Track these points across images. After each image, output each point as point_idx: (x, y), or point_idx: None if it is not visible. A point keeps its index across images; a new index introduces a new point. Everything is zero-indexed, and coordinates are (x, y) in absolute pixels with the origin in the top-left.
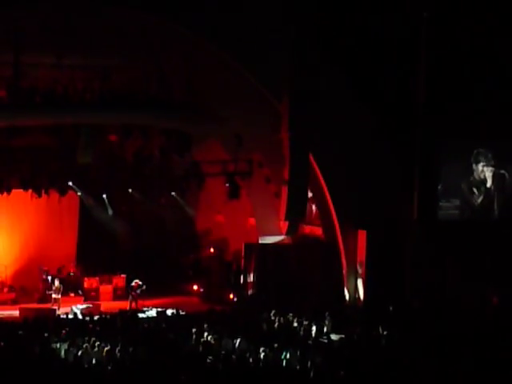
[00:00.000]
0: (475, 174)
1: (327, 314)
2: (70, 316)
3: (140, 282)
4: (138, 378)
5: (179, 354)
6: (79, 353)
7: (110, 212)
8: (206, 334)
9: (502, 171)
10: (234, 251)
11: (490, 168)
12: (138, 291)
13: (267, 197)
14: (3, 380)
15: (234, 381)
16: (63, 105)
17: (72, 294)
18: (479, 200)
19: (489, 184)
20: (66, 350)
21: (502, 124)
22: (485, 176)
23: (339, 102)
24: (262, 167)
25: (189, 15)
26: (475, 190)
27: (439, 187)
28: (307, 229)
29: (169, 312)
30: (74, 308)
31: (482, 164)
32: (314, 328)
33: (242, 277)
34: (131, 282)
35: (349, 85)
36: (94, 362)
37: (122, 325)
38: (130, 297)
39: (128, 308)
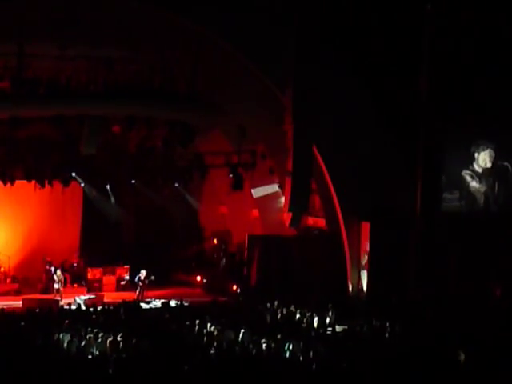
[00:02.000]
0: (477, 166)
1: (330, 305)
2: (73, 307)
3: (145, 273)
4: (141, 368)
5: (182, 344)
6: (82, 343)
7: (113, 203)
8: (209, 325)
9: (505, 163)
10: (238, 242)
11: (493, 160)
12: (147, 282)
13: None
14: (6, 370)
15: (237, 372)
16: (67, 96)
17: (75, 285)
18: (481, 192)
19: (491, 176)
20: (68, 341)
21: (505, 116)
22: (487, 168)
23: (343, 94)
24: (265, 159)
25: (192, 7)
26: (477, 182)
27: (442, 179)
28: (310, 220)
29: (172, 303)
30: (78, 299)
31: (484, 156)
32: (316, 319)
33: (245, 268)
34: (136, 272)
35: (352, 77)
36: (97, 352)
37: (126, 315)
38: (138, 287)
39: (135, 298)
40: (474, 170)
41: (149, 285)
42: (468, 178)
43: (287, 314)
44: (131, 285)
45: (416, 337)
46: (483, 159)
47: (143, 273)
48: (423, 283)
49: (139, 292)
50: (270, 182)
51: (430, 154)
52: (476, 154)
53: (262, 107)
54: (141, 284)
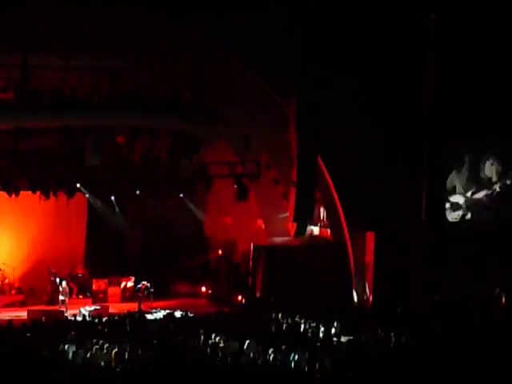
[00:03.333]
0: (482, 175)
1: (335, 315)
2: (79, 318)
3: (147, 284)
4: (146, 379)
5: (187, 355)
6: (88, 355)
7: (118, 214)
8: (214, 335)
9: (511, 173)
10: (242, 253)
11: (498, 170)
12: (145, 293)
13: (275, 198)
14: (12, 382)
15: (242, 382)
16: (71, 107)
17: (80, 296)
18: (486, 201)
19: (496, 185)
20: (74, 352)
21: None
22: (492, 177)
23: (347, 104)
24: (269, 169)
25: (197, 17)
26: (482, 191)
27: (447, 189)
28: (315, 230)
29: (177, 314)
30: (83, 310)
31: (489, 166)
32: (322, 329)
33: (250, 278)
34: (139, 283)
35: (357, 86)
36: (102, 364)
37: (131, 327)
38: (138, 299)
39: (137, 310)
40: (478, 180)
41: (148, 296)
42: (472, 188)
43: (292, 325)
44: (135, 296)
45: (422, 346)
46: (488, 169)
47: (143, 284)
48: (428, 292)
49: (139, 303)
50: (275, 193)
51: (434, 163)
52: (481, 164)
53: (266, 117)
54: (140, 295)
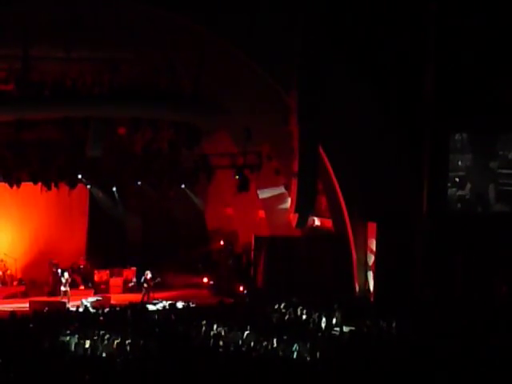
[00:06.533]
0: (484, 166)
1: (337, 306)
2: (80, 309)
3: (150, 275)
4: (148, 370)
5: (189, 346)
6: (89, 346)
7: (119, 205)
8: (215, 326)
9: None
10: (244, 244)
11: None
12: (152, 283)
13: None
14: (13, 373)
15: (244, 373)
16: (72, 98)
17: (82, 287)
18: (489, 192)
19: (499, 176)
20: (76, 343)
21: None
22: (494, 168)
23: (348, 94)
24: (271, 160)
25: (198, 9)
26: (485, 182)
27: (454, 179)
28: (317, 221)
29: (179, 305)
30: (84, 301)
31: (491, 156)
32: (323, 320)
33: (251, 269)
34: (143, 274)
35: (358, 77)
36: (104, 354)
37: (133, 317)
38: (144, 289)
39: (141, 300)
40: (480, 171)
41: (155, 286)
42: (474, 179)
43: (294, 315)
44: (138, 287)
45: (423, 337)
46: (491, 159)
47: (148, 273)
48: (430, 283)
49: (144, 293)
50: (276, 184)
51: (436, 153)
52: (484, 155)
53: (268, 108)
54: (146, 286)
